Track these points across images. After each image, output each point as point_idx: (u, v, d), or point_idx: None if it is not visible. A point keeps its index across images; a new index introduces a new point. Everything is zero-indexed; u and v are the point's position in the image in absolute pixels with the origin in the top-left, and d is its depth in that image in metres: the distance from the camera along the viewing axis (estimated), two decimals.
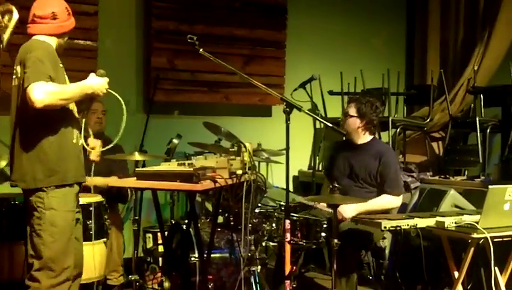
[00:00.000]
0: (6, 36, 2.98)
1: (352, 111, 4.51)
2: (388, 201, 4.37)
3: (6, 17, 3.00)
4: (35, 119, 3.20)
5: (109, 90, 3.39)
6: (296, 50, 6.64)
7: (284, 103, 3.47)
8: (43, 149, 3.24)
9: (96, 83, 3.31)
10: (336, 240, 3.93)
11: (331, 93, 6.35)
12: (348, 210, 4.19)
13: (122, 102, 3.41)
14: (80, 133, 3.40)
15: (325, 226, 4.27)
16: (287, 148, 3.46)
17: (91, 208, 4.15)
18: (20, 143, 3.27)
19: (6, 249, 4.03)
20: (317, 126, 6.67)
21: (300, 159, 6.59)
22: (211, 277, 4.10)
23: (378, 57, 7.07)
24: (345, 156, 4.60)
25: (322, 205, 4.46)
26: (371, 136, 4.58)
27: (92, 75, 3.36)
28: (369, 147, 4.53)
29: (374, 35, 7.22)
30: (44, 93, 3.04)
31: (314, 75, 5.70)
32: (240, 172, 3.54)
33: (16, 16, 3.03)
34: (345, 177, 4.48)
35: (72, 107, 3.38)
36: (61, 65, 3.32)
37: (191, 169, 3.27)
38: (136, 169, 3.50)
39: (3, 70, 2.91)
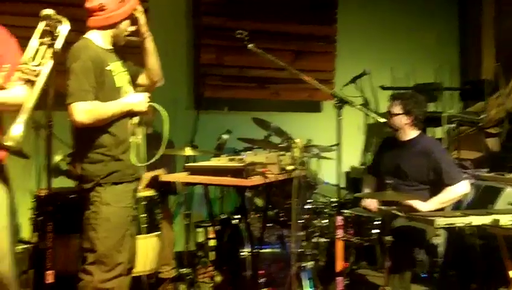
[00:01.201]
0: (58, 46, 3.02)
1: (398, 109, 4.44)
2: (455, 192, 4.28)
3: (59, 27, 3.04)
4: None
5: (151, 104, 3.40)
6: (346, 45, 6.58)
7: (335, 98, 3.43)
8: (102, 146, 3.27)
9: (135, 101, 3.34)
10: (389, 237, 3.89)
11: (383, 88, 6.27)
12: (424, 207, 4.14)
13: (163, 114, 3.40)
14: (139, 126, 3.41)
15: (377, 223, 4.23)
16: (339, 144, 3.42)
17: (144, 202, 4.18)
18: (80, 140, 3.32)
19: (62, 242, 4.09)
20: (369, 122, 6.59)
21: (352, 155, 6.53)
22: (261, 272, 4.09)
23: (430, 52, 6.94)
24: (392, 154, 4.54)
25: (371, 203, 4.41)
26: (417, 132, 4.50)
27: (131, 92, 3.40)
28: (415, 143, 4.46)
29: (426, 30, 7.08)
30: (84, 113, 3.12)
31: (366, 70, 5.64)
32: (290, 168, 3.52)
33: (67, 26, 3.06)
34: (391, 175, 4.40)
35: None
36: (109, 66, 3.30)
37: (242, 164, 3.27)
38: (186, 164, 3.51)
39: (58, 68, 2.94)
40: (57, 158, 4.60)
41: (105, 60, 3.29)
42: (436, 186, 4.32)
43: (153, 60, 3.52)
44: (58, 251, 4.03)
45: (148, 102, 3.39)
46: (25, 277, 3.98)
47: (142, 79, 3.57)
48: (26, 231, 4.35)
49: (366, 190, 4.79)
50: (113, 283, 3.30)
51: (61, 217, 4.08)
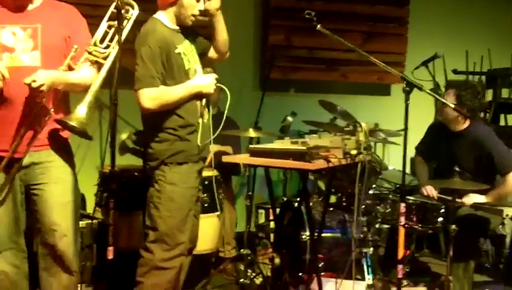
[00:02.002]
0: (126, 30, 3.05)
1: (452, 98, 4.26)
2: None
3: (128, 11, 3.08)
4: None
5: (218, 85, 3.39)
6: (418, 27, 6.41)
7: (404, 82, 3.34)
8: (169, 127, 3.30)
9: (203, 83, 3.34)
10: (453, 226, 3.79)
11: (455, 72, 6.08)
12: (481, 201, 4.03)
13: (229, 95, 3.39)
14: (207, 109, 3.43)
15: (442, 211, 4.14)
16: (405, 129, 3.33)
17: (207, 182, 4.20)
18: (149, 121, 3.35)
19: (125, 218, 4.16)
20: (439, 106, 6.41)
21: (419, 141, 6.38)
22: (321, 256, 4.06)
23: (506, 36, 6.68)
24: (444, 143, 4.40)
25: (431, 190, 4.31)
26: (469, 122, 4.33)
27: (199, 73, 3.39)
28: (467, 133, 4.31)
29: (503, 12, 6.81)
30: (151, 100, 3.18)
31: (438, 53, 5.47)
32: (354, 152, 3.45)
33: (136, 11, 3.09)
34: (448, 164, 4.26)
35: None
36: (178, 49, 3.29)
37: (305, 148, 3.22)
38: (250, 146, 3.50)
39: (124, 46, 2.97)
40: (123, 136, 4.68)
41: (173, 42, 3.29)
42: (490, 177, 4.19)
43: (223, 35, 3.49)
44: (121, 227, 4.14)
45: (216, 84, 3.39)
46: (88, 251, 4.07)
47: (211, 53, 3.57)
48: (91, 207, 4.45)
49: (422, 176, 4.65)
50: (173, 262, 3.33)
51: (126, 194, 4.15)
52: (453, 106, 3.85)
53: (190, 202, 3.38)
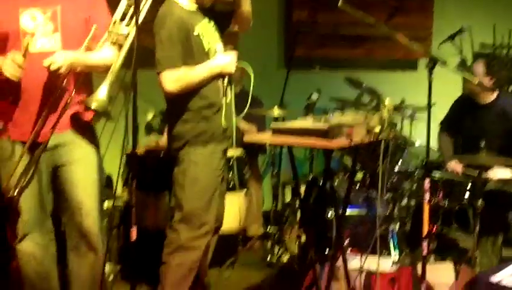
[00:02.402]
0: (144, 9, 3.06)
1: (481, 70, 4.24)
2: None
3: None
4: None
5: (239, 64, 3.39)
6: (444, 1, 6.30)
7: (426, 58, 3.30)
8: (193, 108, 3.31)
9: (224, 62, 3.33)
10: (480, 201, 3.77)
11: (482, 46, 5.98)
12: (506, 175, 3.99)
13: (252, 74, 3.38)
14: (230, 86, 3.41)
15: (469, 186, 4.10)
16: (429, 104, 3.29)
17: (232, 161, 4.22)
18: (172, 102, 3.36)
19: (151, 199, 4.21)
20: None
21: None
22: (347, 233, 4.07)
23: None
24: (471, 116, 4.37)
25: (456, 165, 4.28)
26: (496, 94, 4.30)
27: (220, 51, 3.37)
28: (495, 105, 4.31)
29: None
30: (173, 83, 3.20)
31: (464, 27, 5.38)
32: (377, 129, 3.42)
33: None
34: (475, 138, 4.21)
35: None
36: (196, 31, 3.27)
37: (326, 126, 3.21)
38: (272, 124, 3.49)
39: (144, 26, 2.99)
40: (149, 116, 4.73)
41: (192, 23, 3.27)
42: None
43: (246, 7, 3.44)
44: (148, 207, 4.19)
45: (236, 62, 3.38)
46: (116, 232, 4.13)
47: (232, 26, 3.55)
48: (118, 188, 4.51)
49: (447, 152, 4.62)
50: (199, 242, 3.34)
51: (152, 174, 4.20)
52: (476, 82, 3.81)
53: (215, 182, 3.38)
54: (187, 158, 3.32)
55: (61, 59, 2.85)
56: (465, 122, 4.45)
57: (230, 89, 3.43)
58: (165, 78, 3.20)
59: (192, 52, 3.26)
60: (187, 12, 3.30)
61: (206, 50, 3.32)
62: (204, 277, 3.67)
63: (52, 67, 2.83)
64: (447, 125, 4.71)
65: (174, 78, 3.19)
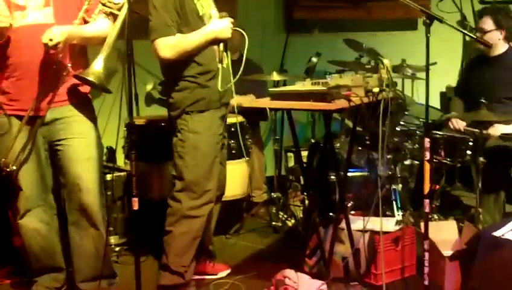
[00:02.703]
0: None
1: (490, 24, 4.22)
2: None
3: None
4: None
5: (235, 29, 3.33)
6: None
7: (424, 15, 3.27)
8: (189, 75, 3.28)
9: (219, 28, 3.28)
10: (481, 158, 3.77)
11: (482, 2, 5.90)
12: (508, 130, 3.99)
13: (246, 40, 3.34)
14: (225, 52, 3.37)
15: (471, 144, 4.10)
16: (427, 63, 3.27)
17: (233, 129, 4.22)
18: (168, 70, 3.35)
19: (154, 169, 4.21)
20: (467, 39, 6.26)
21: (449, 74, 6.23)
22: (350, 195, 4.08)
23: None
24: (481, 72, 4.35)
25: (457, 123, 4.28)
26: (507, 46, 4.28)
27: (215, 17, 3.34)
28: (506, 57, 4.26)
29: None
30: (168, 49, 3.16)
31: None
32: (376, 90, 3.41)
33: None
34: (482, 93, 4.20)
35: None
36: None
37: (325, 88, 3.20)
38: (270, 89, 3.48)
39: None
40: (148, 87, 4.72)
41: None
42: None
43: None
44: (152, 178, 4.20)
45: (232, 28, 3.34)
46: (120, 203, 4.15)
47: None
48: (120, 160, 4.52)
49: (454, 112, 4.62)
50: (202, 210, 3.36)
51: (154, 144, 4.20)
52: (475, 36, 3.79)
53: (215, 150, 3.38)
54: (185, 127, 3.31)
55: (59, 34, 2.85)
56: (476, 80, 4.43)
57: (227, 55, 3.40)
58: (160, 45, 3.16)
59: (187, 17, 3.22)
60: None
61: (201, 14, 3.28)
62: (209, 244, 3.69)
63: (51, 44, 2.82)
64: (459, 89, 4.71)
65: (170, 45, 3.16)
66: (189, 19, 3.24)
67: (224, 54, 3.38)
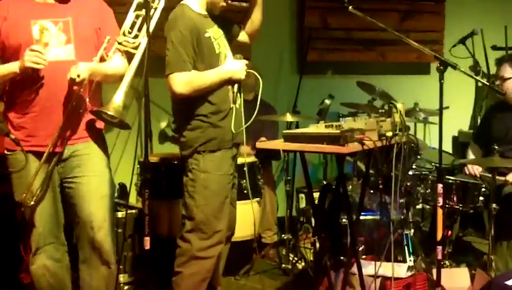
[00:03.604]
0: (154, 19, 3.10)
1: (509, 72, 4.25)
2: None
3: (154, 0, 3.13)
4: None
5: (249, 71, 3.35)
6: (456, 3, 6.29)
7: (438, 61, 3.29)
8: (201, 114, 3.27)
9: (234, 68, 3.29)
10: (494, 205, 3.75)
11: (494, 48, 5.95)
12: None
13: (261, 81, 3.37)
14: (239, 93, 3.37)
15: (483, 189, 4.09)
16: (441, 108, 3.29)
17: (244, 168, 4.22)
18: (180, 109, 3.34)
19: (165, 206, 4.22)
20: (480, 84, 6.29)
21: (461, 119, 6.27)
22: (361, 238, 4.06)
23: None
24: (502, 119, 4.35)
25: (474, 169, 4.28)
26: None
27: (230, 58, 3.36)
28: None
29: None
30: (182, 85, 3.14)
31: (475, 30, 5.39)
32: (389, 134, 3.41)
33: (162, 1, 3.15)
34: (501, 141, 4.21)
35: None
36: (207, 33, 3.25)
37: (338, 131, 3.20)
38: (284, 131, 3.49)
39: (157, 32, 3.02)
40: (162, 124, 4.75)
41: (203, 26, 3.26)
42: None
43: (258, 16, 3.47)
44: (161, 216, 4.20)
45: (247, 69, 3.35)
46: (130, 241, 4.13)
47: (242, 36, 3.54)
48: (133, 197, 4.53)
49: (471, 157, 4.63)
50: (212, 251, 3.31)
51: (166, 182, 4.21)
52: (487, 83, 3.82)
53: (225, 189, 3.35)
54: (196, 166, 3.29)
55: (85, 70, 2.90)
56: (494, 125, 4.44)
57: (240, 96, 3.40)
58: (174, 80, 3.15)
59: (203, 55, 3.24)
60: (198, 16, 3.28)
61: (217, 52, 3.30)
62: (217, 285, 3.65)
63: (79, 79, 2.87)
64: (477, 136, 4.72)
65: (184, 81, 3.15)
66: (205, 56, 3.25)
67: (238, 94, 3.38)
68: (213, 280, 3.51)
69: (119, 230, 3.96)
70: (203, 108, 3.28)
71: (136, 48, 3.10)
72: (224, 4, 3.35)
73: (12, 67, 2.91)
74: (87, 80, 2.94)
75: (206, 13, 3.35)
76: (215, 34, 3.32)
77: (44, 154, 2.99)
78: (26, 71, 2.87)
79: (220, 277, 3.69)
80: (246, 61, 3.38)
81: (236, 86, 3.36)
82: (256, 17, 3.48)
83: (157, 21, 3.19)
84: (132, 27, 3.13)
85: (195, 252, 3.29)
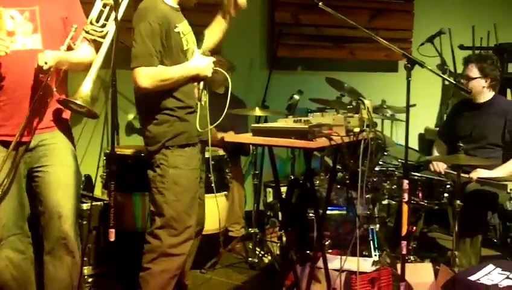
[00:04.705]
0: (122, 7, 3.08)
1: (475, 72, 4.31)
2: None
3: None
4: None
5: (216, 69, 3.31)
6: (425, 3, 6.37)
7: (406, 59, 3.32)
8: (166, 108, 3.20)
9: (202, 65, 3.24)
10: (458, 201, 3.80)
11: (461, 48, 6.04)
12: (490, 176, 4.04)
13: (229, 80, 3.35)
14: (205, 90, 3.31)
15: (448, 186, 4.14)
16: (407, 105, 3.31)
17: (212, 162, 4.21)
18: (144, 103, 3.27)
19: (130, 200, 4.20)
20: (446, 82, 6.38)
21: (428, 117, 6.37)
22: (328, 233, 4.08)
23: None
24: (467, 117, 4.43)
25: (439, 166, 4.34)
26: (493, 94, 4.37)
27: (197, 54, 3.29)
28: (492, 105, 4.37)
29: None
30: (147, 79, 3.06)
31: (443, 29, 5.47)
32: (357, 130, 3.43)
33: None
34: (467, 138, 4.28)
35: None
36: (177, 28, 3.19)
37: (306, 126, 3.21)
38: (252, 125, 3.49)
39: (124, 24, 2.99)
40: (130, 116, 4.72)
41: (174, 20, 3.19)
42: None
43: (221, 34, 3.46)
44: (127, 209, 4.17)
45: (213, 68, 3.30)
46: (95, 234, 4.09)
47: (206, 43, 3.47)
48: (98, 189, 4.49)
49: (436, 154, 4.69)
50: (182, 248, 3.26)
51: (132, 175, 4.18)
52: (454, 82, 3.87)
53: (195, 184, 3.31)
54: (165, 162, 3.21)
55: (51, 58, 2.86)
56: (460, 123, 4.51)
57: (206, 93, 3.33)
58: (139, 73, 3.06)
59: (171, 50, 3.17)
60: (170, 9, 3.22)
61: (185, 49, 3.24)
62: (184, 279, 3.61)
63: (46, 67, 2.83)
64: (442, 132, 4.78)
65: (150, 75, 3.06)
66: (173, 52, 3.18)
67: (204, 92, 3.32)
68: (181, 275, 3.46)
69: (84, 222, 3.91)
70: (168, 102, 3.20)
71: (103, 36, 3.08)
72: None
73: None
74: (54, 68, 2.90)
75: (178, 7, 3.29)
76: (184, 29, 3.26)
77: (12, 143, 2.94)
78: None
79: (187, 271, 3.65)
80: (213, 58, 3.33)
81: (202, 83, 3.30)
82: (220, 34, 3.46)
83: (124, 11, 3.15)
84: (99, 16, 3.09)
85: (166, 249, 3.23)
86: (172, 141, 3.22)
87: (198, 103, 3.29)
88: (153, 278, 3.25)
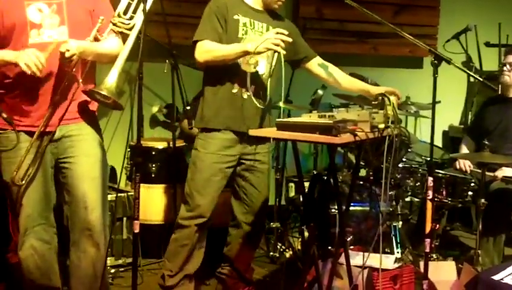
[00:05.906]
0: (149, 1, 3.09)
1: None
2: None
3: None
4: (206, 70, 3.56)
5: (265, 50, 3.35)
6: None
7: (432, 55, 3.29)
8: (204, 95, 3.53)
9: (251, 47, 3.30)
10: (483, 200, 3.77)
11: (487, 45, 5.98)
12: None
13: (283, 59, 3.48)
14: (244, 85, 3.49)
15: (472, 184, 4.11)
16: (433, 102, 3.29)
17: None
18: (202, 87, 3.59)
19: (155, 192, 4.23)
20: (471, 80, 6.32)
21: (452, 114, 6.30)
22: (350, 229, 4.07)
23: None
24: (496, 112, 4.37)
25: (464, 164, 4.30)
26: None
27: (262, 61, 3.56)
28: None
29: None
30: (203, 52, 3.37)
31: (469, 26, 5.41)
32: (382, 126, 3.41)
33: None
34: (495, 135, 4.23)
35: (241, 61, 3.47)
36: (237, 16, 3.44)
37: (331, 121, 3.20)
38: (277, 120, 3.49)
39: (155, 18, 3.00)
40: (154, 109, 4.74)
41: (235, 10, 3.44)
42: None
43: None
44: (152, 201, 4.19)
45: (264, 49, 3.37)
46: (119, 225, 4.12)
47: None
48: (122, 180, 4.52)
49: (463, 151, 4.64)
50: (191, 222, 3.53)
51: (157, 167, 4.21)
52: (481, 79, 3.81)
53: (210, 168, 3.51)
54: (195, 143, 3.58)
55: (75, 46, 2.88)
56: (490, 119, 4.48)
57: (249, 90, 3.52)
58: (197, 47, 3.38)
59: (226, 34, 3.42)
60: (244, 5, 3.51)
61: (239, 36, 3.43)
62: (246, 272, 3.91)
63: (68, 54, 2.86)
64: (471, 129, 4.74)
65: (204, 49, 3.36)
66: (228, 36, 3.43)
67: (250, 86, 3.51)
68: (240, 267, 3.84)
69: (108, 213, 3.94)
70: (206, 90, 3.54)
71: (130, 29, 3.09)
72: (280, 3, 3.62)
73: (9, 57, 2.88)
74: (78, 58, 2.91)
75: (261, 9, 3.57)
76: (251, 24, 3.47)
77: (36, 133, 2.97)
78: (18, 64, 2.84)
79: (248, 264, 3.94)
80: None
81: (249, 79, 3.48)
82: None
83: (151, 4, 3.16)
84: (127, 8, 3.11)
85: (179, 219, 3.58)
86: (197, 124, 3.58)
87: (246, 94, 3.51)
88: (169, 245, 3.63)
